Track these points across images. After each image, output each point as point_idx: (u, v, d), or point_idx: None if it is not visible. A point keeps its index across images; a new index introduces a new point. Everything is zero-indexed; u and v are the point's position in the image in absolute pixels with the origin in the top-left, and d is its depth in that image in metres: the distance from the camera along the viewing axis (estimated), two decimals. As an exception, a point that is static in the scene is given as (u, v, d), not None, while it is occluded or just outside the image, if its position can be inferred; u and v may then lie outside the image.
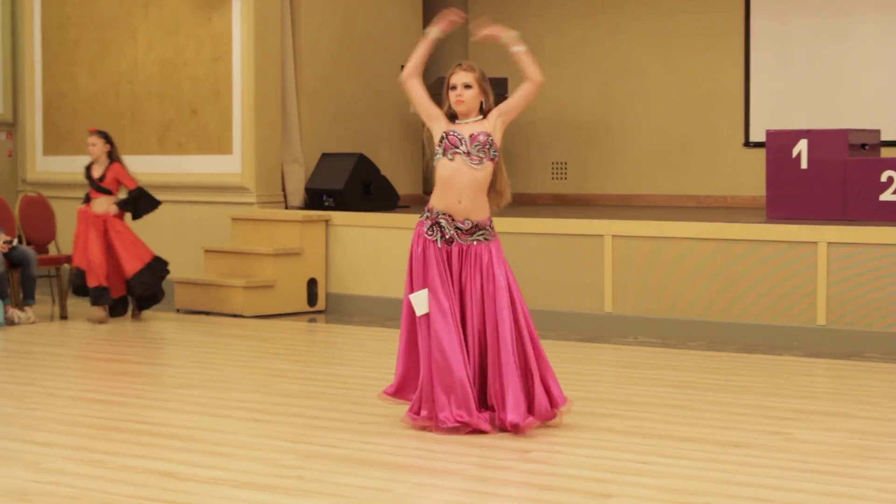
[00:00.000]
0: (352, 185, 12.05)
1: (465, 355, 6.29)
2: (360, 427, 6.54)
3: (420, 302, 6.34)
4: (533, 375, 6.35)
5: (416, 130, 12.79)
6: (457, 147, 6.40)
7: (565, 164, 13.85)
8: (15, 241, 11.08)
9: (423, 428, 6.36)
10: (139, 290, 10.90)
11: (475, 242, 6.41)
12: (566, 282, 10.34)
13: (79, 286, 10.91)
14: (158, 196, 11.64)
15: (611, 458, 5.85)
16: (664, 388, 7.70)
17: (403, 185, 13.18)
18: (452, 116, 6.53)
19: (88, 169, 11.05)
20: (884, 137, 10.60)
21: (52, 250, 12.04)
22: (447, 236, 6.39)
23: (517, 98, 6.57)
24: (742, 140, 12.75)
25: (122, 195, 11.06)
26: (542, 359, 6.46)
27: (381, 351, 8.97)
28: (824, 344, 9.21)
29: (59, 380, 8.30)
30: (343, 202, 11.90)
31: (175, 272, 12.31)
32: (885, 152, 10.57)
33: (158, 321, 11.08)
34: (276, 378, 8.18)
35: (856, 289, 9.16)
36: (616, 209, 12.39)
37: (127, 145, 13.29)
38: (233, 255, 11.83)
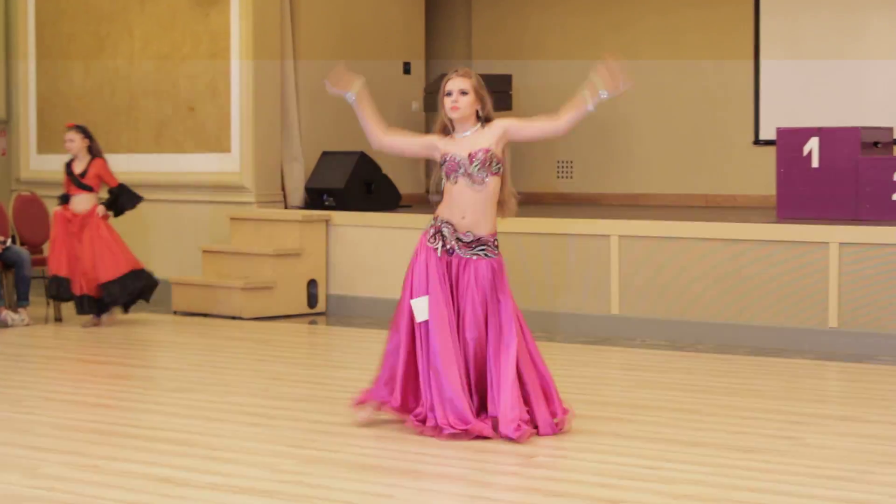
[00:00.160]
0: (353, 185, 12.06)
1: (461, 365, 6.34)
2: (362, 431, 6.54)
3: (421, 308, 6.37)
4: (531, 392, 6.39)
5: (419, 128, 12.79)
6: (456, 171, 6.42)
7: (571, 162, 13.85)
8: (8, 242, 11.08)
9: (425, 434, 6.38)
10: (106, 301, 10.66)
11: (475, 257, 6.43)
12: (572, 283, 10.34)
13: (58, 294, 10.77)
14: (156, 195, 11.66)
15: (618, 463, 5.85)
16: (672, 392, 7.70)
17: (405, 184, 13.19)
18: (449, 124, 6.52)
19: (69, 165, 10.93)
20: (897, 135, 10.61)
21: (47, 251, 12.03)
22: (448, 246, 6.44)
23: (534, 129, 6.50)
24: (752, 138, 12.75)
25: (102, 193, 10.96)
26: (542, 374, 6.47)
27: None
28: (836, 346, 9.20)
29: (53, 383, 8.31)
30: (344, 201, 11.90)
31: (172, 273, 12.32)
32: (899, 151, 10.59)
33: (155, 323, 11.09)
34: (276, 381, 8.18)
35: (868, 290, 9.15)
36: (623, 209, 12.39)
37: (123, 143, 13.31)
38: (231, 255, 11.84)
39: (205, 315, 11.51)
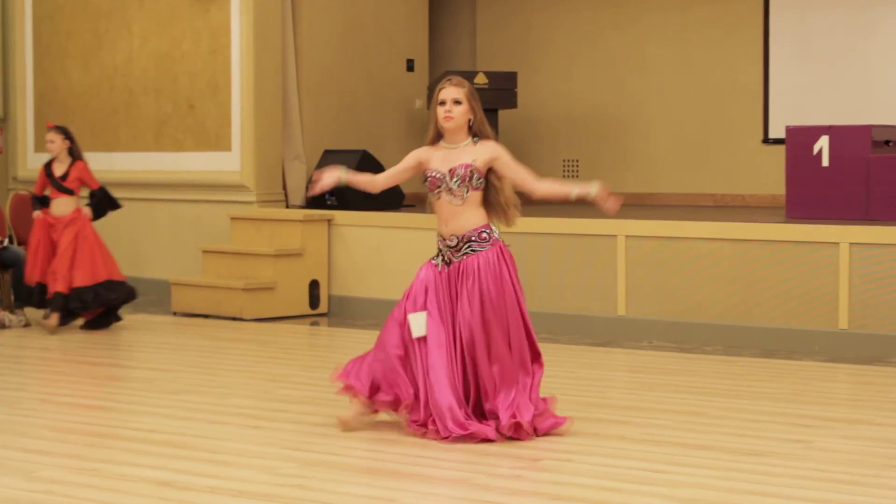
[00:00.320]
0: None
1: (458, 374, 6.40)
2: (363, 434, 6.55)
3: (418, 324, 6.42)
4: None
5: (422, 126, 12.80)
6: (439, 186, 6.49)
7: (577, 161, 13.86)
8: (6, 242, 11.09)
9: (427, 437, 6.41)
10: (73, 305, 10.39)
11: (465, 256, 6.47)
12: (578, 284, 10.35)
13: (35, 302, 10.59)
14: (156, 194, 11.67)
15: (623, 466, 5.86)
16: (679, 395, 7.71)
17: (408, 183, 13.13)
18: (440, 136, 6.56)
19: (48, 167, 10.64)
20: (908, 133, 10.61)
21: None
22: (445, 258, 6.49)
23: (518, 174, 6.49)
24: (761, 137, 12.76)
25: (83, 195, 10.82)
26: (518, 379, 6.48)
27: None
28: (846, 348, 9.20)
29: (51, 385, 8.32)
30: (346, 201, 11.91)
31: (172, 273, 12.34)
32: (910, 149, 10.58)
33: (155, 324, 11.10)
34: (277, 383, 8.19)
35: (879, 291, 9.15)
36: (630, 208, 12.35)
37: (122, 142, 13.33)
38: (232, 255, 11.85)
39: (205, 316, 11.52)
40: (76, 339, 10.25)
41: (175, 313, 11.72)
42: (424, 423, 6.42)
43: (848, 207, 9.93)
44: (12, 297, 10.93)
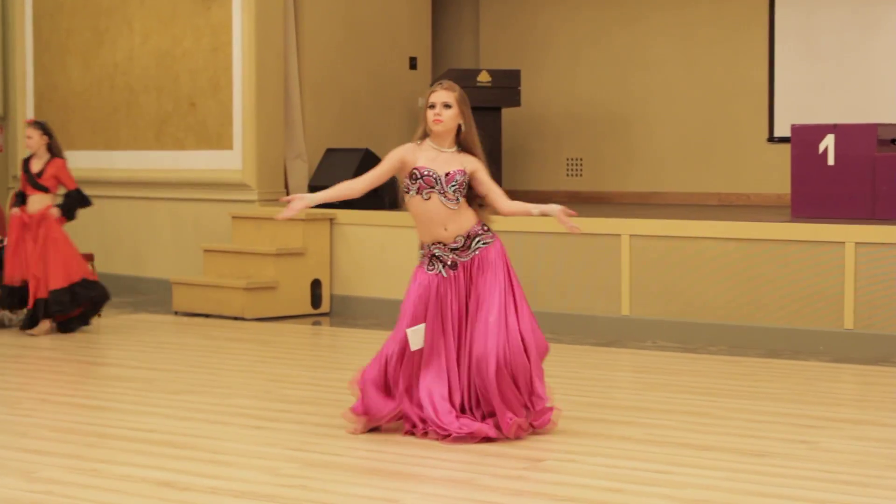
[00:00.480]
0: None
1: (453, 386, 6.44)
2: (366, 435, 6.56)
3: (416, 337, 6.44)
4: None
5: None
6: (432, 187, 6.48)
7: (581, 160, 13.87)
8: (6, 241, 11.09)
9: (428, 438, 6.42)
10: (53, 309, 10.29)
11: (477, 252, 6.49)
12: (581, 283, 10.35)
13: (11, 303, 10.49)
14: (157, 193, 11.67)
15: (626, 467, 5.86)
16: (683, 395, 7.71)
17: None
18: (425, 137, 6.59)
19: (27, 163, 10.53)
20: (914, 132, 10.61)
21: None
22: (449, 262, 6.49)
23: (491, 191, 6.53)
24: (766, 135, 12.76)
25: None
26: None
27: (388, 355, 8.98)
28: (851, 348, 9.21)
29: (52, 385, 8.33)
30: (348, 200, 11.88)
31: (173, 273, 12.36)
32: (916, 148, 10.58)
33: (156, 324, 11.11)
34: (279, 384, 8.20)
35: (885, 291, 9.16)
36: (634, 207, 12.40)
37: (122, 140, 13.35)
38: (233, 255, 11.86)
39: (206, 316, 11.53)
40: (76, 339, 10.26)
41: (176, 313, 11.74)
42: (423, 429, 6.45)
43: (853, 206, 9.94)
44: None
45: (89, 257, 11.62)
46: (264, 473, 5.78)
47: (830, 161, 10.08)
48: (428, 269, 6.54)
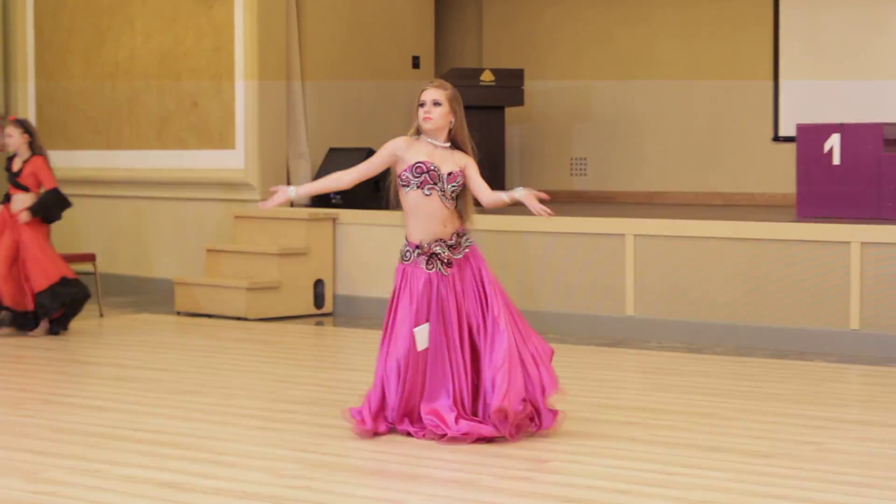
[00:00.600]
0: (360, 182, 12.05)
1: (457, 386, 6.45)
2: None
3: (423, 336, 6.43)
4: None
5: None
6: (434, 184, 6.50)
7: (585, 159, 13.86)
8: (8, 240, 11.09)
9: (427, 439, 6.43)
10: (39, 312, 10.25)
11: (464, 252, 6.56)
12: (586, 283, 10.35)
13: (29, 322, 10.36)
14: (158, 193, 11.65)
15: (633, 468, 5.86)
16: (689, 395, 7.71)
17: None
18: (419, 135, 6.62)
19: (10, 161, 10.39)
20: (921, 132, 10.60)
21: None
22: (446, 260, 6.51)
23: (479, 188, 6.51)
24: (771, 135, 12.75)
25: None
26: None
27: (392, 356, 8.98)
28: (858, 349, 9.20)
29: (54, 385, 8.33)
30: (351, 199, 11.92)
31: (175, 273, 12.36)
32: (922, 147, 10.57)
33: (158, 324, 11.11)
34: (282, 384, 8.20)
35: (891, 291, 9.15)
36: (638, 207, 12.40)
37: (124, 139, 13.35)
38: (235, 254, 11.86)
39: (208, 316, 11.53)
40: (79, 339, 10.25)
41: (179, 313, 11.73)
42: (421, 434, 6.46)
43: (859, 206, 9.93)
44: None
45: (91, 257, 11.63)
46: (267, 474, 5.77)
47: (836, 161, 10.07)
48: (427, 268, 6.52)
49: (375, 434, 6.48)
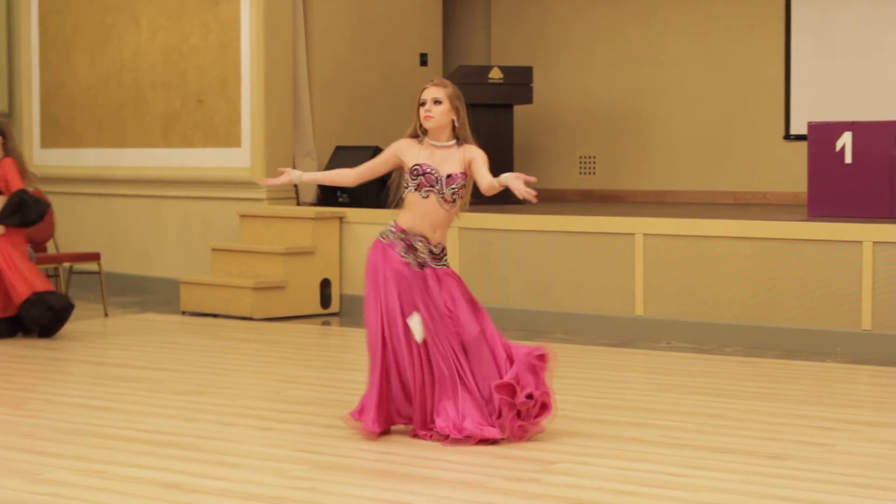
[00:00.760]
0: (364, 181, 12.05)
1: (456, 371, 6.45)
2: (377, 436, 6.56)
3: (418, 329, 6.43)
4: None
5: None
6: (432, 186, 6.51)
7: (594, 158, 13.86)
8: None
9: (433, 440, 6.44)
10: (26, 321, 10.06)
11: (443, 266, 6.56)
12: (595, 283, 10.35)
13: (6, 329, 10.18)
14: (164, 191, 11.63)
15: (641, 469, 5.86)
16: (698, 396, 7.71)
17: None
18: (422, 134, 6.59)
19: None
20: (933, 130, 10.58)
21: (51, 248, 12.07)
22: (420, 260, 6.51)
23: (483, 176, 6.46)
24: (782, 133, 12.74)
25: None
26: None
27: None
28: (869, 349, 9.20)
29: (58, 385, 8.34)
30: (358, 198, 11.93)
31: (180, 272, 12.38)
32: (935, 146, 10.56)
33: (163, 324, 11.13)
34: (287, 384, 8.21)
35: (903, 291, 9.15)
36: (648, 206, 12.40)
37: (129, 137, 13.37)
38: (241, 254, 11.87)
39: (214, 315, 11.55)
40: (82, 339, 10.27)
41: (184, 312, 11.75)
42: (426, 427, 6.46)
43: (871, 205, 9.92)
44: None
45: (95, 256, 11.65)
46: (272, 475, 5.78)
47: (848, 159, 10.06)
48: (403, 256, 6.52)
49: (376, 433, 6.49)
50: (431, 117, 6.53)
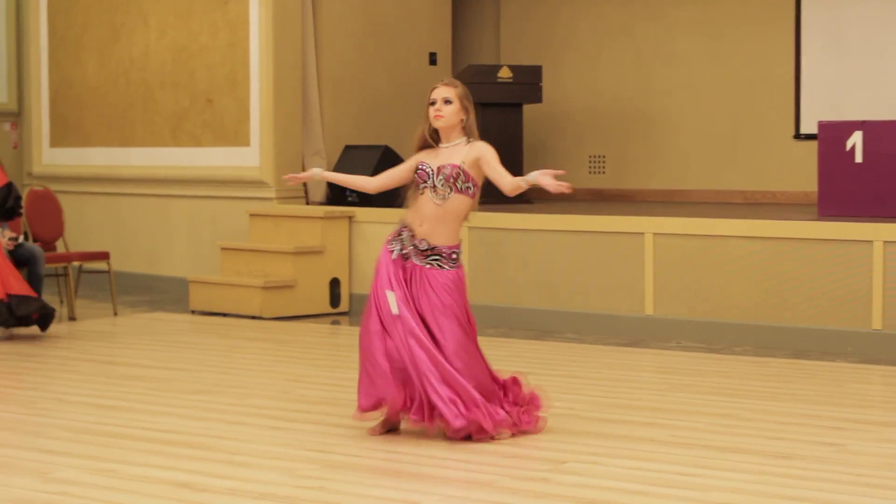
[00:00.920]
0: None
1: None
2: (385, 436, 6.56)
3: (393, 300, 6.44)
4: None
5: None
6: (425, 182, 6.56)
7: (603, 157, 13.85)
8: (21, 238, 11.12)
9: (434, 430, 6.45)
10: (18, 313, 9.88)
11: (428, 266, 6.51)
12: (604, 282, 10.34)
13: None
14: (173, 190, 11.62)
15: (651, 469, 5.86)
16: (708, 396, 7.70)
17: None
18: (435, 134, 6.60)
19: None
20: (944, 129, 10.56)
21: (61, 248, 12.10)
22: (405, 251, 6.54)
23: (496, 172, 6.46)
24: (792, 132, 12.73)
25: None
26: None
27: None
28: (880, 349, 9.18)
29: (67, 384, 8.35)
30: (367, 197, 11.92)
31: (190, 271, 12.39)
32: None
33: (172, 323, 11.14)
34: (297, 383, 8.21)
35: (914, 291, 9.14)
36: (658, 205, 12.39)
37: (138, 136, 13.38)
38: (250, 253, 11.88)
39: (223, 315, 11.55)
40: (92, 338, 10.28)
41: (193, 312, 11.76)
42: (426, 415, 6.44)
43: (882, 205, 9.90)
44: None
45: (104, 255, 11.66)
46: (282, 474, 5.79)
47: (858, 158, 10.05)
48: (390, 243, 6.59)
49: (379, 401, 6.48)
50: (441, 116, 6.57)
